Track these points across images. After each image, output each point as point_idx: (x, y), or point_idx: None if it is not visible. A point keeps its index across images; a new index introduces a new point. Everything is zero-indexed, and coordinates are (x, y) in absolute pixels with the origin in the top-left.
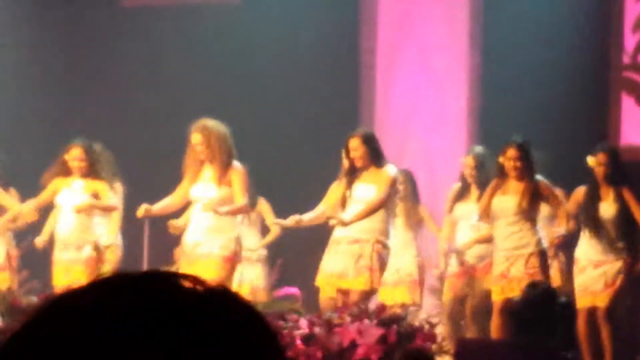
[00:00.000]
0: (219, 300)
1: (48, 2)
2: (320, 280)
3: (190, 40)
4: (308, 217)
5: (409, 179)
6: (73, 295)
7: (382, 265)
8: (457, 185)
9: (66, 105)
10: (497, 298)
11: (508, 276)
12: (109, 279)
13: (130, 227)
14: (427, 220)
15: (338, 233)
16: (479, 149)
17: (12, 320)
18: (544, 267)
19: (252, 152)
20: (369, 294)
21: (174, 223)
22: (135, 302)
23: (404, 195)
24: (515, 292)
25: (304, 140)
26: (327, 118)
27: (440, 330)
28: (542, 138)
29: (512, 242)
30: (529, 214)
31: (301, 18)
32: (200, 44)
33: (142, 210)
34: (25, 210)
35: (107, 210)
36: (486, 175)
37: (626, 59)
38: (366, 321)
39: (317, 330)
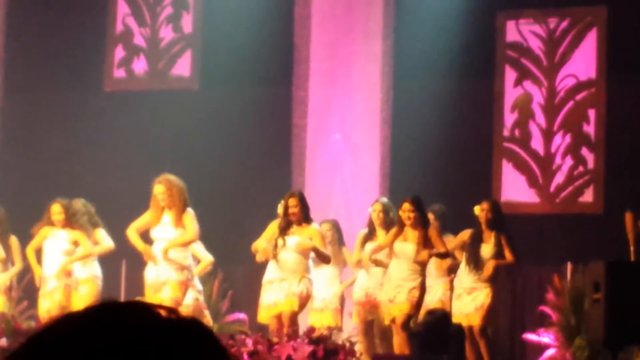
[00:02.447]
0: (190, 327)
1: (44, 85)
2: (261, 316)
3: (157, 117)
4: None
5: (336, 227)
6: (66, 322)
7: (308, 293)
8: (364, 230)
9: (57, 165)
10: (387, 320)
11: (394, 301)
12: (98, 308)
13: (110, 265)
14: (347, 257)
15: (270, 275)
16: (384, 199)
17: (14, 341)
18: (419, 300)
19: (203, 204)
20: (296, 314)
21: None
22: (122, 329)
23: (332, 240)
24: (397, 312)
25: (246, 201)
26: (265, 181)
27: (359, 347)
28: (440, 194)
29: (403, 275)
30: (421, 259)
31: (245, 100)
32: (165, 119)
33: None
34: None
35: (85, 258)
36: (389, 220)
37: (506, 133)
38: (299, 340)
39: (260, 347)
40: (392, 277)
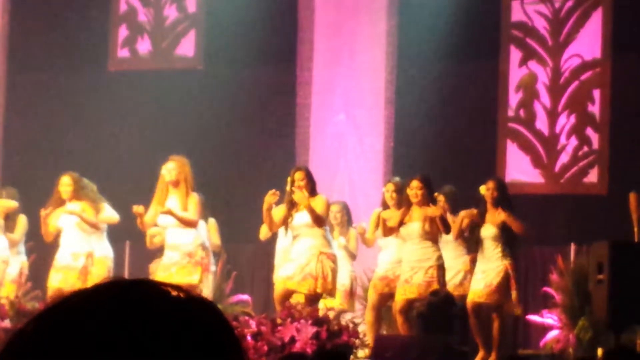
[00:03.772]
0: (199, 306)
1: (48, 65)
2: (275, 278)
3: (161, 97)
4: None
5: (345, 208)
6: (74, 299)
7: (332, 272)
8: (379, 209)
9: (62, 144)
10: (399, 299)
11: (410, 282)
12: (107, 285)
13: (114, 247)
14: (352, 239)
15: (286, 242)
16: (396, 178)
17: (18, 322)
18: (440, 278)
19: (207, 184)
20: (314, 298)
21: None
22: (132, 306)
23: (341, 222)
24: (415, 294)
25: (249, 177)
26: (269, 160)
27: (363, 328)
28: (444, 174)
29: (417, 256)
30: (430, 235)
31: (249, 80)
32: (169, 99)
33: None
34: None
35: (92, 226)
36: (402, 200)
37: (510, 113)
38: (302, 321)
39: (263, 328)
40: (406, 260)
